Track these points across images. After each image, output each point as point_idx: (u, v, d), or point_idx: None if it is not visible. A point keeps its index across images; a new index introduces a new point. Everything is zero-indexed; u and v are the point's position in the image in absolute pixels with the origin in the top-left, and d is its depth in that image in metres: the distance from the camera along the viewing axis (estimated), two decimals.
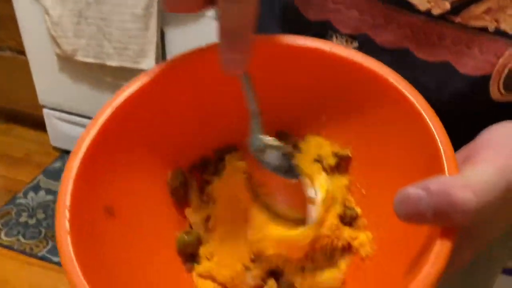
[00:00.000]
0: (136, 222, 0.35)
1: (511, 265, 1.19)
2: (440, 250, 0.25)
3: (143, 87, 0.34)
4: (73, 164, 0.30)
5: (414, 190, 0.24)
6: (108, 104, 0.33)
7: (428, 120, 0.30)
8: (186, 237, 0.37)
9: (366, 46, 0.40)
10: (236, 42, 0.29)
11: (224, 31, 0.29)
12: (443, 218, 0.23)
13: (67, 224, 0.28)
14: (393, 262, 0.31)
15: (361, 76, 0.34)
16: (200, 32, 1.25)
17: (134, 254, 0.33)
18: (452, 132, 0.33)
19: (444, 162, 0.28)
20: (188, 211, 0.38)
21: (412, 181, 0.26)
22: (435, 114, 0.31)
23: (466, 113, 0.40)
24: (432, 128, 0.30)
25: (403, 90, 0.32)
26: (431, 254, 0.25)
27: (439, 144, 0.29)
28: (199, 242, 0.37)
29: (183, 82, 0.35)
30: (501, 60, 0.36)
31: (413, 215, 0.24)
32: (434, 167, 0.28)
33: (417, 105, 0.31)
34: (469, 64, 0.37)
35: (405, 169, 0.32)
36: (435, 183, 0.24)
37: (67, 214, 0.28)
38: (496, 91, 0.37)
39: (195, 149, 0.38)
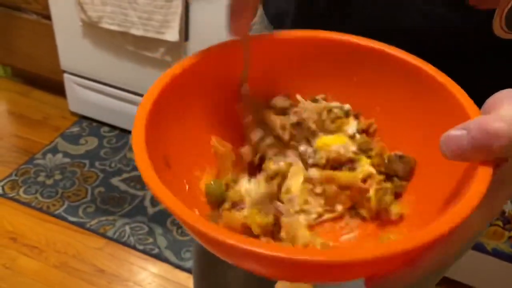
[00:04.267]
0: (185, 174, 0.38)
1: (500, 247, 1.21)
2: (482, 175, 0.28)
3: (200, 60, 0.40)
4: (143, 113, 0.34)
5: (455, 130, 0.29)
6: (172, 69, 0.38)
7: (451, 89, 0.35)
8: (212, 183, 0.38)
9: None
10: (243, 11, 0.38)
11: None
12: (482, 149, 0.28)
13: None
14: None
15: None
16: (224, 4, 1.27)
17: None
18: (458, 70, 0.36)
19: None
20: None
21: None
22: (456, 84, 0.35)
23: (473, 47, 0.43)
24: (457, 96, 0.35)
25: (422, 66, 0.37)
26: (473, 180, 0.28)
27: (467, 109, 0.33)
28: (226, 189, 0.39)
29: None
30: None
31: (456, 151, 0.28)
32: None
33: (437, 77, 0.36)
34: None
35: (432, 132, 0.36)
36: (472, 122, 0.28)
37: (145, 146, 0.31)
38: (498, 26, 0.39)
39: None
